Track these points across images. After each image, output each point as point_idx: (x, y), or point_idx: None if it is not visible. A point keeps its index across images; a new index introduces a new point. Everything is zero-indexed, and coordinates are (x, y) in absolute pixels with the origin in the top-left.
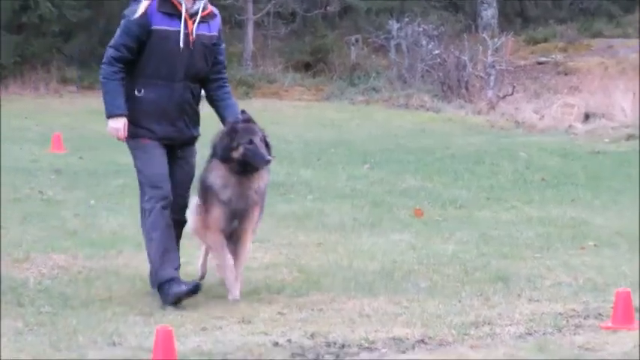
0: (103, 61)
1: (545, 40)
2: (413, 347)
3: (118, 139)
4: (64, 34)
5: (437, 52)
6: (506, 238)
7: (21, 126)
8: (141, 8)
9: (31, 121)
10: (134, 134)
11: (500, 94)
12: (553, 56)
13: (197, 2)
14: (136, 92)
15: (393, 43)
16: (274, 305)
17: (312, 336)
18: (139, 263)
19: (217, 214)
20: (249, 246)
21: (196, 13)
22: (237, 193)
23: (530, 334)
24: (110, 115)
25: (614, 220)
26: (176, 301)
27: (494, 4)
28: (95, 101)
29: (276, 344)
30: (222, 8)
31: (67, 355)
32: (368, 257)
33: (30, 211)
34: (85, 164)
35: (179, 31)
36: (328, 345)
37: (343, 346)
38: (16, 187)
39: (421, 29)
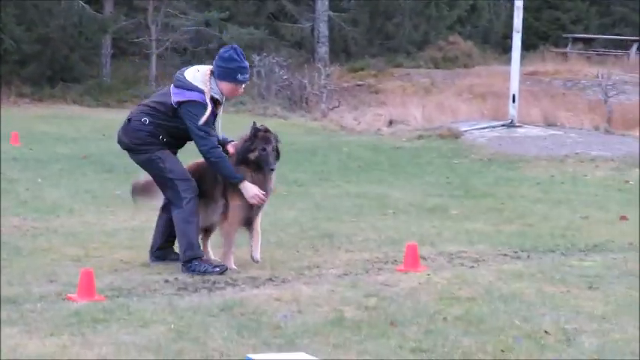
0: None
1: (362, 69)
2: (264, 284)
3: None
4: (22, 62)
5: (286, 77)
6: (332, 207)
7: None
8: (205, 115)
9: None
10: (162, 149)
11: (330, 107)
12: (367, 80)
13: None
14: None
15: (255, 70)
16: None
17: (192, 276)
18: (71, 224)
19: (241, 208)
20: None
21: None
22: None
23: (347, 275)
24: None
25: (408, 195)
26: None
27: (327, 44)
28: (41, 110)
29: (166, 281)
30: (134, 45)
31: (18, 289)
32: None
33: None
34: (34, 154)
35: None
36: (204, 282)
37: (214, 282)
38: None
39: (275, 61)
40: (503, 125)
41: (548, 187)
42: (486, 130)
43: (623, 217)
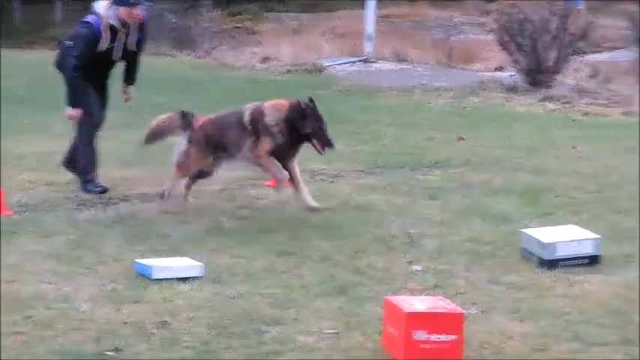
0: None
1: (240, 14)
2: (153, 199)
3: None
4: None
5: (174, 21)
6: None
7: None
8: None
9: None
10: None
11: (212, 46)
12: (244, 24)
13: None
14: None
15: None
16: (69, 177)
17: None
18: None
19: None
20: None
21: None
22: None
23: (225, 190)
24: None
25: None
26: (100, 192)
27: None
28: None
29: (67, 198)
30: None
31: None
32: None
33: None
34: None
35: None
36: (101, 198)
37: (110, 198)
38: None
39: (165, 7)
40: (360, 61)
41: (399, 113)
42: (346, 65)
43: (460, 138)
